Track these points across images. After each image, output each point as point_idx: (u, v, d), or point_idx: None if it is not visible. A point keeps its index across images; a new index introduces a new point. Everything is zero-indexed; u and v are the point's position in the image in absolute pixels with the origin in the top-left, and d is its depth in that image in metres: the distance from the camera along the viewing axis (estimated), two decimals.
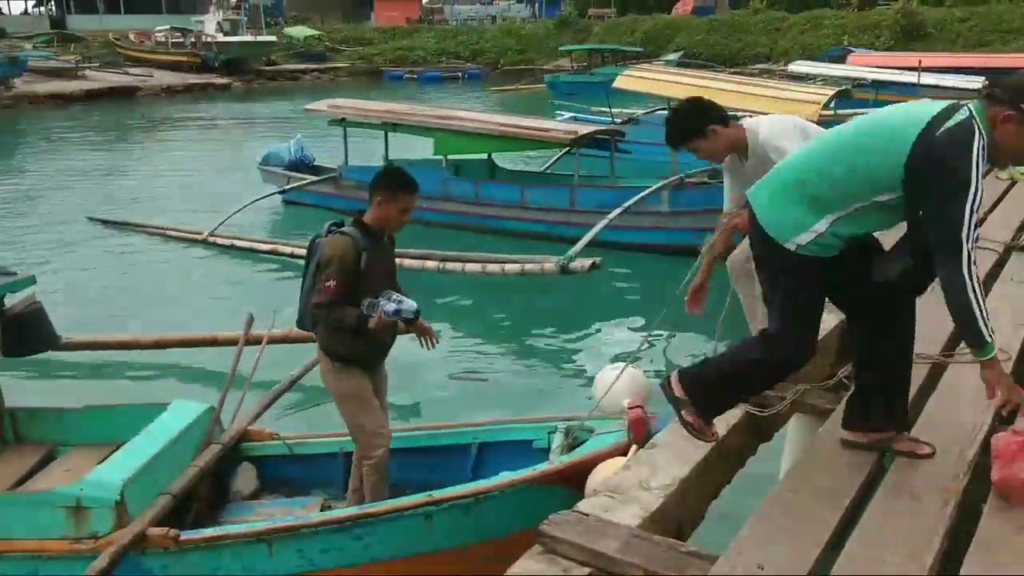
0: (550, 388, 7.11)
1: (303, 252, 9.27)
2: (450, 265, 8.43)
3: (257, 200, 11.89)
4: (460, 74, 39.77)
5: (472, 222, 11.38)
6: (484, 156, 12.49)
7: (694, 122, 3.74)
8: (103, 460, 4.27)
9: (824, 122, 14.45)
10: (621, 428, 3.84)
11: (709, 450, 3.36)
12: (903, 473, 2.90)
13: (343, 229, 4.05)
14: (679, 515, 3.13)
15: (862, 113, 13.77)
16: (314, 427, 5.30)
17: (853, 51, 24.37)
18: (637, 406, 3.84)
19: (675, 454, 3.33)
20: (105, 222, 12.19)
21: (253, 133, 21.63)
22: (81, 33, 42.19)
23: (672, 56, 32.23)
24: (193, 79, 35.14)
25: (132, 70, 35.88)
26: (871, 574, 2.38)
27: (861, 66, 19.03)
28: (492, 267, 8.17)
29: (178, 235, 11.27)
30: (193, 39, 39.35)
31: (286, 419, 5.34)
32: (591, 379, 4.65)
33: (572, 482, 3.69)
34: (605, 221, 9.07)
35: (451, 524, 3.77)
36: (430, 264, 8.61)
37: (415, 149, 12.36)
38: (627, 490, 3.06)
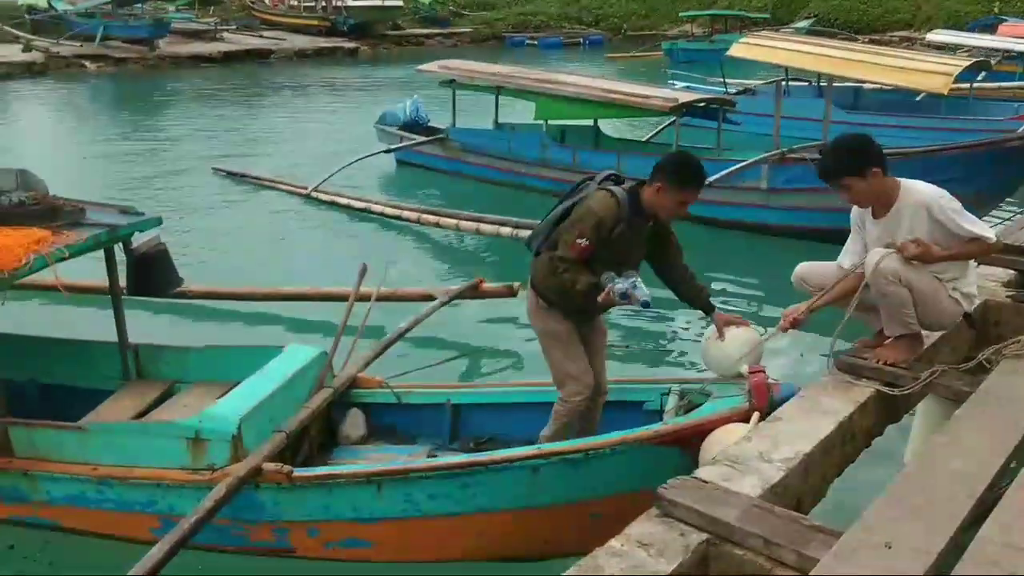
0: (661, 351, 6.99)
1: (395, 211, 9.85)
2: (523, 232, 8.36)
3: (361, 158, 12.06)
4: (582, 40, 39.28)
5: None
6: (590, 123, 12.23)
7: (857, 158, 3.62)
8: (220, 397, 4.41)
9: (958, 95, 13.76)
10: (740, 393, 3.76)
11: (835, 427, 3.29)
12: None
13: (615, 189, 3.85)
14: (800, 490, 3.09)
15: (1007, 87, 13.04)
16: (423, 378, 5.41)
17: (1005, 20, 22.65)
18: (759, 371, 3.77)
19: (799, 429, 3.27)
20: (228, 173, 12.76)
21: (376, 96, 22.02)
22: None
23: (803, 23, 30.90)
24: (323, 43, 35.96)
25: (266, 33, 37.00)
26: (1005, 562, 2.29)
27: (1011, 36, 17.71)
28: None
29: (287, 188, 11.67)
30: (324, 3, 40.30)
31: (396, 369, 5.45)
32: (698, 341, 4.57)
33: (686, 445, 3.64)
34: None
35: (558, 479, 3.76)
36: (504, 230, 8.65)
37: (526, 114, 12.25)
38: (747, 461, 3.04)
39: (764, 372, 3.76)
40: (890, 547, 2.36)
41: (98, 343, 5.33)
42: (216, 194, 11.95)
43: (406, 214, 9.74)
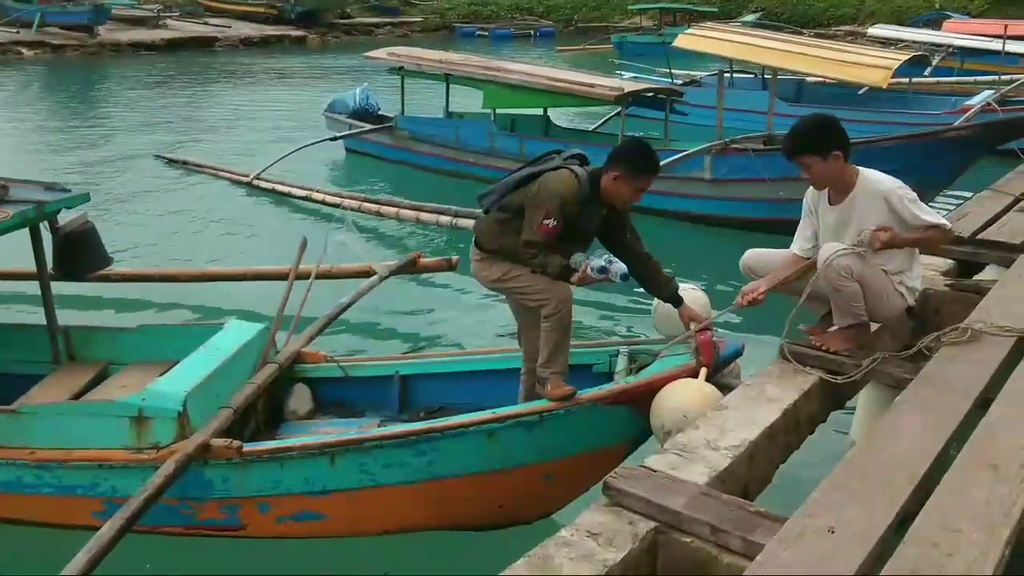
0: (607, 316, 7.15)
1: (335, 200, 9.76)
2: (462, 222, 8.46)
3: (306, 146, 11.92)
4: (532, 31, 39.33)
5: None
6: (540, 113, 12.24)
7: (821, 137, 3.69)
8: (158, 377, 4.27)
9: (896, 90, 14.02)
10: (687, 351, 3.86)
11: (780, 414, 3.34)
12: (982, 444, 2.83)
13: (578, 169, 3.82)
14: (746, 477, 3.12)
15: (945, 82, 13.31)
16: (367, 352, 5.38)
17: (950, 15, 23.18)
18: (705, 328, 3.85)
19: (745, 416, 3.31)
20: (169, 160, 12.57)
21: (324, 85, 21.77)
22: None
23: (750, 17, 31.34)
24: (270, 31, 35.46)
25: (211, 20, 36.34)
26: (944, 544, 2.33)
27: (953, 32, 18.14)
28: None
29: (229, 176, 11.55)
30: None
31: (340, 345, 5.43)
32: (648, 309, 4.61)
33: (637, 403, 3.71)
34: None
35: (514, 442, 3.78)
36: (444, 219, 8.66)
37: (479, 105, 12.21)
38: (695, 449, 3.06)
39: (711, 330, 3.86)
40: (833, 531, 2.40)
41: (24, 326, 5.17)
42: (157, 181, 11.75)
43: (347, 202, 9.65)
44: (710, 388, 3.63)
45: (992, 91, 13.38)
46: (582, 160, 3.94)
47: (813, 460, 3.90)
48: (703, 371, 3.71)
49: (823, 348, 3.77)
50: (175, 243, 9.03)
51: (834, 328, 3.85)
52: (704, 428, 3.21)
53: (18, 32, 29.02)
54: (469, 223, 8.37)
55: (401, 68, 12.72)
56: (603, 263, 3.68)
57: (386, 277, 6.00)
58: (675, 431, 3.37)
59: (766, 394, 3.49)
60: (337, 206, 9.77)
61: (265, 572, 4.00)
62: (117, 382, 4.56)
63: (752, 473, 3.15)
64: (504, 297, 4.27)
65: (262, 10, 38.03)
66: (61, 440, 3.89)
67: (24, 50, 27.96)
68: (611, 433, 3.85)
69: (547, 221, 3.70)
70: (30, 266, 5.01)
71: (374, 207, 9.31)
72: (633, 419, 3.76)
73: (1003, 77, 14.14)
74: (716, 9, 32.85)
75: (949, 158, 9.00)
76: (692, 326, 3.90)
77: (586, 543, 2.56)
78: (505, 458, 3.81)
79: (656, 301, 4.20)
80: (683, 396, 3.56)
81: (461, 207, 8.59)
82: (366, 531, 3.97)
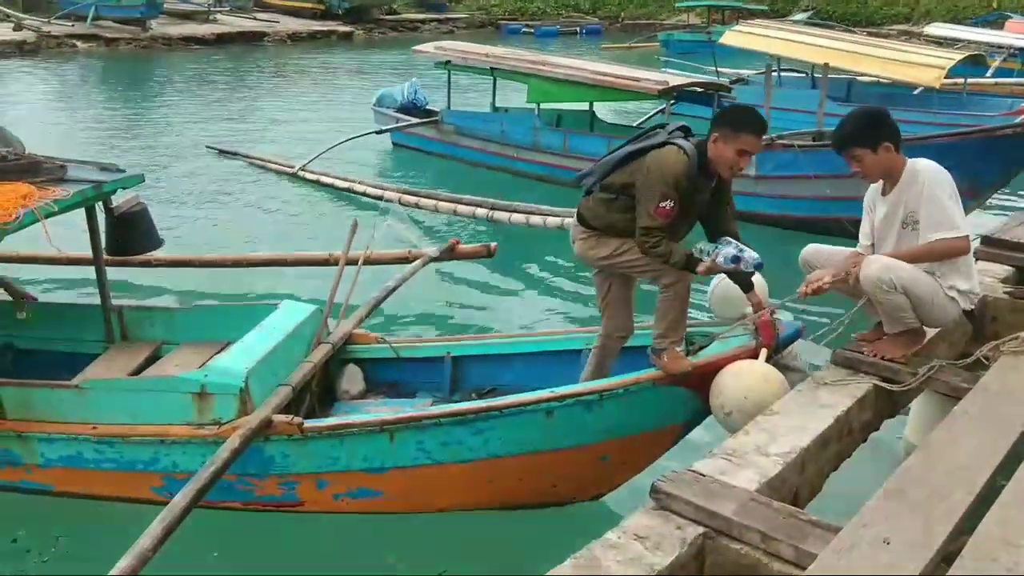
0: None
1: (376, 191, 9.88)
2: (498, 214, 8.50)
3: (351, 139, 12.05)
4: (579, 29, 39.12)
5: (560, 175, 10.94)
6: (586, 108, 12.12)
7: (870, 130, 3.63)
8: (211, 358, 4.34)
9: (951, 91, 13.66)
10: (745, 332, 3.83)
11: (833, 421, 3.28)
12: None
13: (684, 144, 3.66)
14: (797, 483, 3.07)
15: (1004, 83, 12.94)
16: (417, 334, 5.46)
17: (1012, 16, 22.50)
18: (765, 309, 3.83)
19: (796, 422, 3.26)
20: (220, 151, 12.80)
21: (371, 80, 21.88)
22: None
23: (800, 15, 30.85)
24: (317, 26, 35.72)
25: (260, 15, 36.72)
26: (1004, 558, 2.27)
27: (1016, 33, 17.64)
28: (535, 219, 8.22)
29: (275, 167, 11.74)
30: None
31: (389, 327, 5.47)
32: (702, 291, 4.55)
33: (696, 384, 3.70)
34: None
35: (572, 421, 3.76)
36: (480, 211, 8.68)
37: (523, 99, 12.18)
38: (744, 454, 3.02)
39: (770, 310, 3.83)
40: (888, 543, 2.35)
41: (80, 306, 5.28)
42: (207, 170, 11.99)
43: (387, 194, 9.76)
44: (771, 369, 3.62)
45: None
46: (686, 132, 3.82)
47: (864, 467, 3.83)
48: (763, 352, 3.68)
49: (876, 355, 3.69)
50: (220, 229, 9.26)
51: (887, 335, 3.76)
52: (754, 433, 3.16)
53: (72, 25, 29.59)
54: (504, 216, 8.44)
55: (448, 62, 12.73)
56: (734, 251, 3.57)
57: (427, 262, 6.10)
58: (736, 412, 3.42)
59: (818, 400, 3.42)
60: (378, 198, 9.91)
61: (319, 546, 4.06)
62: (171, 361, 4.62)
63: (803, 480, 3.10)
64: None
65: (310, 6, 38.31)
66: (122, 416, 3.95)
67: (78, 43, 28.49)
68: (668, 414, 3.85)
69: (663, 204, 3.58)
70: (77, 249, 5.09)
71: (413, 199, 9.40)
72: (690, 400, 3.76)
73: None
74: (766, 7, 32.34)
75: (1003, 157, 8.76)
76: (749, 311, 3.87)
77: (633, 546, 2.53)
78: (562, 437, 3.81)
79: (714, 283, 4.14)
80: (745, 377, 3.55)
81: (498, 200, 8.68)
82: (420, 509, 4.00)
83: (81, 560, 3.94)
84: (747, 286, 3.87)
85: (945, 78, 11.50)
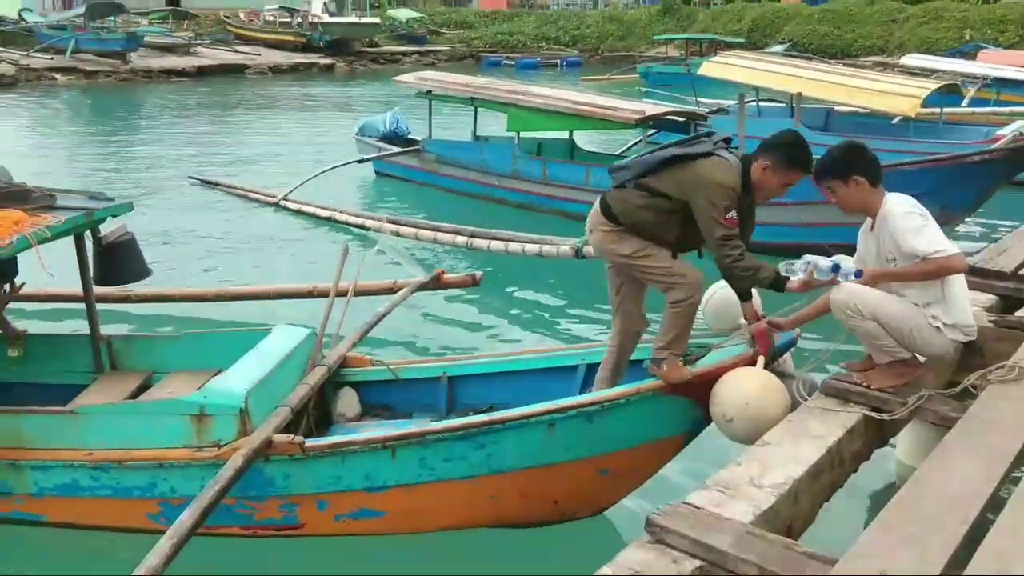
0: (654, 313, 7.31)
1: (358, 220, 9.93)
2: (477, 242, 8.55)
3: (332, 168, 12.14)
4: (559, 61, 39.50)
5: (540, 203, 11.12)
6: (566, 136, 12.29)
7: (840, 163, 3.66)
8: (203, 386, 4.28)
9: (928, 120, 13.84)
10: (741, 341, 3.86)
11: (824, 452, 3.27)
12: None
13: (732, 159, 3.69)
14: (790, 515, 3.05)
15: (980, 112, 13.09)
16: (407, 357, 5.48)
17: (985, 47, 22.93)
18: (760, 318, 3.87)
19: (787, 453, 3.25)
20: (202, 182, 12.86)
21: (352, 111, 22.01)
22: (194, 11, 43.51)
23: (777, 48, 31.22)
24: (298, 58, 35.96)
25: (241, 48, 36.93)
26: None
27: (988, 63, 17.97)
28: (514, 246, 8.29)
29: (257, 197, 11.80)
30: (300, 19, 40.27)
31: (381, 350, 5.52)
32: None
33: (696, 394, 3.72)
34: None
35: (574, 434, 3.77)
36: (460, 239, 8.73)
37: (504, 130, 12.33)
38: (737, 486, 3.00)
39: (764, 318, 3.87)
40: (886, 574, 2.33)
41: (67, 336, 5.22)
42: (189, 201, 12.00)
43: (369, 223, 9.82)
44: (770, 376, 3.67)
45: None
46: (727, 143, 3.82)
47: (854, 496, 3.84)
48: (761, 360, 3.72)
49: (866, 385, 3.70)
50: (203, 259, 9.25)
51: (879, 365, 3.77)
52: (746, 464, 3.15)
53: (52, 58, 29.64)
54: (483, 243, 8.48)
55: (429, 92, 12.90)
56: (830, 262, 3.52)
57: (415, 290, 6.14)
58: (737, 418, 3.49)
59: (809, 431, 3.41)
60: (360, 226, 9.96)
61: (319, 571, 4.03)
62: (163, 389, 4.59)
63: (796, 511, 3.08)
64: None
65: (291, 38, 38.58)
66: (118, 440, 3.90)
67: (58, 76, 28.54)
68: (668, 425, 3.87)
69: (730, 214, 3.59)
70: (61, 279, 5.04)
71: (392, 227, 9.42)
72: (690, 410, 3.79)
73: None
74: (743, 40, 32.83)
75: (974, 183, 8.89)
76: (743, 323, 3.92)
77: None
78: (563, 450, 3.81)
79: (707, 295, 4.15)
80: (745, 384, 3.59)
81: (478, 228, 8.76)
82: (422, 528, 3.96)
83: None
84: (747, 296, 3.91)
85: (921, 107, 11.70)
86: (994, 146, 11.15)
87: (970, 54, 20.50)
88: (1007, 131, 12.95)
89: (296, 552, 4.04)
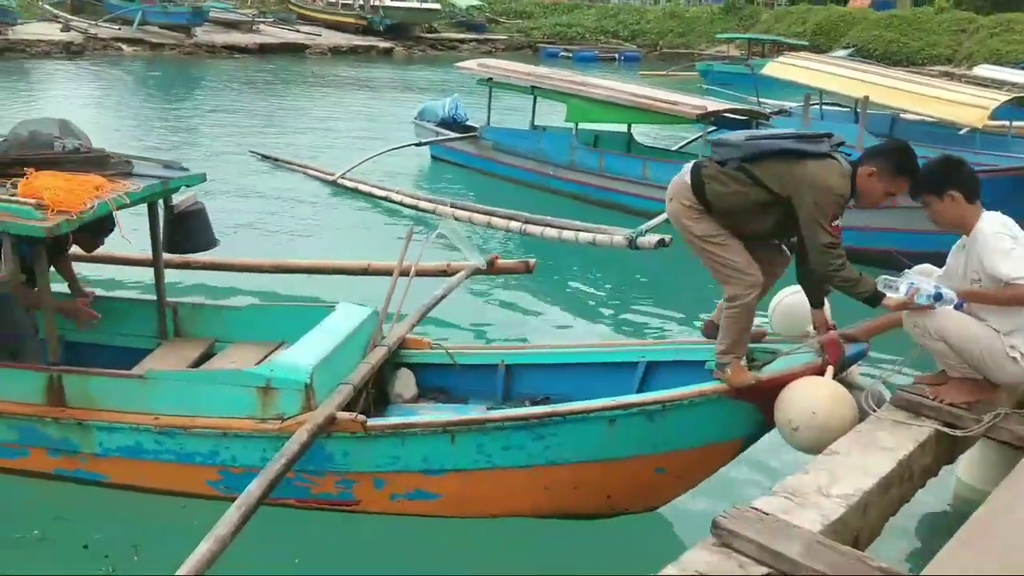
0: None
1: (412, 201, 10.02)
2: (531, 228, 8.47)
3: (390, 150, 12.27)
4: (617, 55, 39.14)
5: (595, 194, 11.09)
6: (624, 129, 12.22)
7: (936, 177, 3.55)
8: (266, 357, 4.34)
9: (995, 132, 13.48)
10: (809, 349, 3.80)
11: (895, 465, 3.18)
12: None
13: (844, 163, 3.57)
14: (858, 527, 2.98)
15: None
16: (463, 342, 5.56)
17: None
18: (830, 327, 3.79)
19: (856, 463, 3.17)
20: (263, 156, 13.01)
21: (410, 96, 22.09)
22: None
23: (841, 52, 30.63)
24: (358, 41, 36.11)
25: (302, 28, 37.20)
26: None
27: None
28: (567, 234, 8.20)
29: (316, 174, 11.90)
30: (361, 1, 40.46)
31: (437, 332, 5.58)
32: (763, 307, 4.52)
33: (760, 399, 3.66)
34: None
35: (634, 431, 3.74)
36: (514, 225, 8.66)
37: (562, 120, 12.25)
38: (805, 494, 2.93)
39: (835, 328, 3.79)
40: None
41: (133, 300, 5.32)
42: (250, 174, 12.17)
43: (423, 204, 9.86)
44: (839, 387, 3.59)
45: None
46: (839, 146, 3.71)
47: (911, 512, 3.74)
48: (830, 370, 3.65)
49: (937, 399, 3.59)
50: (261, 232, 9.38)
51: (952, 379, 3.65)
52: (814, 473, 3.08)
53: (119, 28, 30.15)
54: (537, 230, 8.44)
55: (490, 79, 12.92)
56: (933, 289, 3.42)
57: (471, 274, 6.15)
58: (803, 427, 3.44)
59: (878, 442, 3.33)
60: (413, 207, 10.00)
61: (371, 547, 4.05)
62: (226, 358, 4.64)
63: (864, 523, 3.01)
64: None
65: (352, 21, 38.78)
66: (184, 407, 3.95)
67: (124, 46, 28.99)
68: (728, 429, 3.82)
69: (837, 223, 3.51)
70: (121, 246, 5.14)
71: (448, 210, 9.42)
72: (752, 415, 3.73)
73: None
74: (806, 43, 32.25)
75: None
76: (811, 331, 3.85)
77: None
78: (622, 447, 3.79)
79: (775, 301, 4.09)
80: (813, 393, 3.53)
81: (532, 214, 8.73)
82: (474, 513, 3.97)
83: (132, 553, 3.93)
84: (820, 303, 3.82)
85: (989, 119, 11.38)
86: None
87: None
88: None
89: (348, 527, 4.06)
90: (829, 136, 3.70)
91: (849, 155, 3.72)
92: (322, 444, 3.78)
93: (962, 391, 3.59)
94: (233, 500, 3.31)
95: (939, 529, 4.22)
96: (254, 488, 3.25)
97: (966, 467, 4.16)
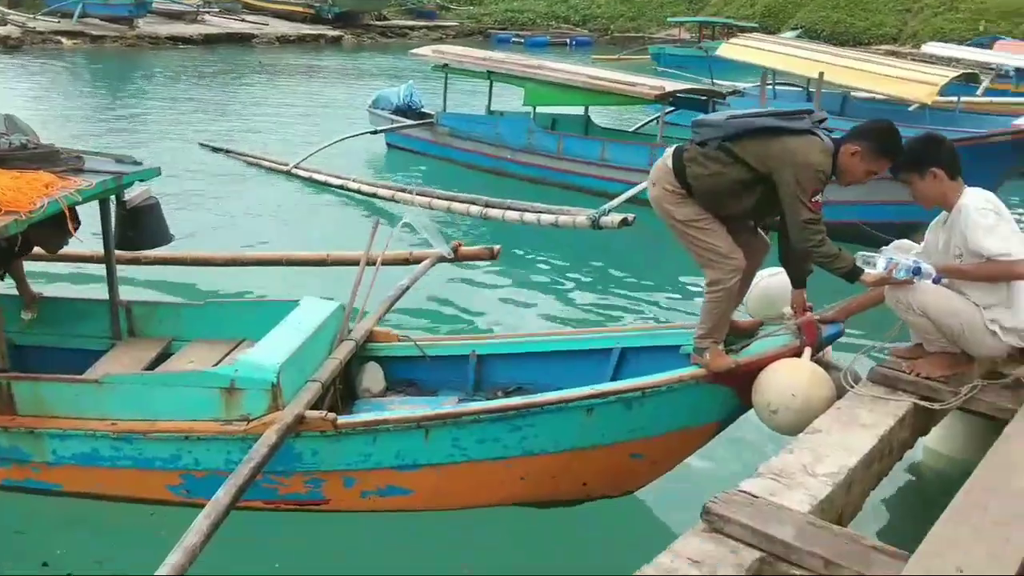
0: (688, 297, 7.36)
1: (370, 189, 9.84)
2: (492, 212, 8.41)
3: (344, 139, 12.03)
4: (568, 40, 39.08)
5: (554, 177, 11.07)
6: (581, 112, 12.18)
7: (917, 155, 3.53)
8: (225, 355, 4.19)
9: (943, 108, 13.73)
10: (787, 332, 3.77)
11: (876, 441, 3.17)
12: None
13: (826, 139, 3.54)
14: (842, 504, 2.96)
15: (997, 102, 12.99)
16: (436, 333, 5.46)
17: (1002, 38, 22.68)
18: (807, 308, 3.77)
19: (839, 441, 3.15)
20: (213, 148, 12.70)
21: (360, 84, 21.84)
22: None
23: (790, 33, 30.90)
24: (306, 30, 35.52)
25: (248, 17, 36.48)
26: None
27: (1010, 52, 17.75)
28: (529, 216, 8.15)
29: (269, 164, 11.68)
30: None
31: (404, 324, 5.47)
32: None
33: (737, 383, 3.64)
34: (646, 182, 8.39)
35: (612, 419, 3.69)
36: (474, 209, 8.59)
37: (519, 104, 12.15)
38: (792, 474, 2.90)
39: (811, 309, 3.77)
40: (962, 570, 2.23)
41: (85, 301, 5.10)
42: (199, 167, 11.84)
43: (381, 192, 9.71)
44: (818, 368, 3.58)
45: None
46: (820, 123, 3.66)
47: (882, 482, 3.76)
48: (807, 351, 3.63)
49: (914, 373, 3.59)
50: (214, 225, 9.11)
51: (928, 353, 3.66)
52: (798, 452, 3.05)
53: (59, 21, 29.24)
54: (498, 213, 8.35)
55: (445, 65, 12.78)
56: (912, 263, 3.40)
57: (436, 262, 6.05)
58: (783, 409, 3.42)
59: (859, 419, 3.31)
60: (372, 195, 9.83)
61: (342, 545, 3.95)
62: (184, 357, 4.48)
63: (848, 501, 2.99)
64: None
65: (300, 9, 38.11)
66: (143, 411, 3.79)
67: (64, 39, 28.13)
68: (705, 413, 3.79)
69: (817, 197, 3.46)
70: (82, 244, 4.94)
71: (407, 197, 9.28)
72: (730, 399, 3.70)
73: None
74: (756, 25, 32.46)
75: (992, 165, 8.80)
76: (787, 312, 3.82)
77: (687, 570, 2.40)
78: (599, 435, 3.74)
79: (753, 282, 4.04)
80: (793, 375, 3.51)
81: (480, 196, 8.68)
82: (448, 506, 3.89)
83: (96, 568, 3.78)
84: (800, 284, 3.79)
85: (938, 95, 11.56)
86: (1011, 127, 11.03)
87: (987, 45, 20.25)
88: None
89: (318, 526, 3.95)
90: (810, 113, 3.65)
91: (830, 131, 3.69)
92: (291, 444, 3.65)
93: (939, 365, 3.59)
94: (196, 504, 3.20)
95: (911, 499, 4.28)
96: (222, 495, 3.12)
97: (935, 436, 4.18)
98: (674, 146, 3.79)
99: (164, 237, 4.97)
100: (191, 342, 4.64)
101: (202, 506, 3.15)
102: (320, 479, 3.81)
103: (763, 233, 3.92)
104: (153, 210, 4.80)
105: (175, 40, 30.38)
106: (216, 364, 4.25)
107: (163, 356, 4.60)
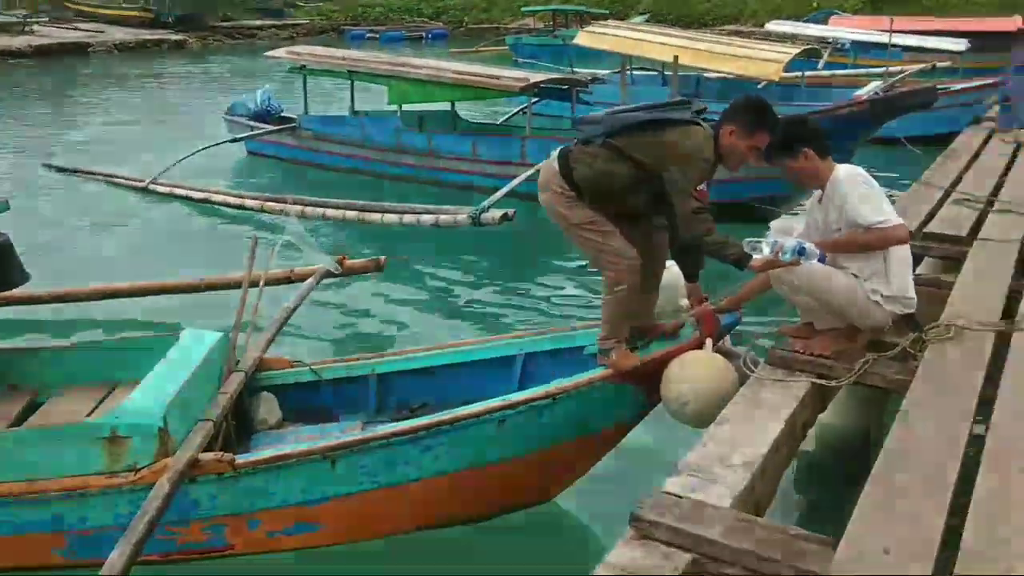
0: (580, 297, 7.38)
1: (237, 201, 9.51)
2: (370, 216, 8.29)
3: (201, 150, 11.50)
4: (424, 34, 38.82)
5: (424, 175, 11.00)
6: (447, 108, 12.12)
7: (787, 138, 3.57)
8: (101, 402, 3.94)
9: (790, 83, 14.45)
10: (687, 324, 3.83)
11: (783, 424, 3.22)
12: (999, 444, 2.78)
13: (708, 129, 3.53)
14: (759, 493, 2.98)
15: (838, 75, 13.71)
16: (324, 353, 5.22)
17: (836, 13, 24.01)
18: (702, 300, 3.81)
19: (748, 429, 3.17)
20: (59, 169, 11.86)
21: (214, 90, 20.96)
22: None
23: (638, 18, 31.75)
24: (146, 35, 33.86)
25: (81, 26, 34.50)
26: (1000, 553, 2.25)
27: (844, 27, 18.78)
28: (408, 218, 8.08)
29: (123, 182, 11.05)
30: None
31: (294, 348, 5.23)
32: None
33: (644, 380, 3.64)
34: (524, 176, 8.37)
35: (525, 428, 3.64)
36: (350, 214, 8.44)
37: (381, 103, 11.97)
38: (710, 468, 2.90)
39: (707, 300, 3.81)
40: (888, 552, 2.27)
41: None
42: (45, 191, 11.10)
43: (248, 203, 9.31)
44: (720, 358, 3.63)
45: (881, 82, 13.90)
46: (699, 113, 3.66)
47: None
48: (708, 342, 3.68)
49: (806, 352, 3.68)
50: (71, 257, 8.45)
51: (819, 331, 3.76)
52: (712, 445, 3.05)
53: None
54: (376, 217, 8.18)
55: (303, 66, 12.41)
56: (797, 244, 3.39)
57: (322, 278, 5.82)
58: (693, 401, 3.46)
59: (763, 403, 3.35)
60: (239, 207, 9.43)
61: None
62: (55, 408, 4.13)
63: (764, 489, 3.02)
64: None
65: (136, 14, 36.39)
66: (15, 472, 3.45)
67: None
68: (616, 413, 3.79)
69: (701, 187, 3.47)
70: None
71: (277, 206, 8.93)
72: (637, 397, 3.71)
73: (891, 70, 14.71)
74: (607, 11, 33.15)
75: (844, 135, 9.29)
76: (683, 305, 3.88)
77: None
78: (512, 446, 3.67)
79: None
80: (698, 367, 3.56)
81: (355, 200, 8.49)
82: (360, 537, 3.73)
83: None
84: (694, 277, 3.81)
85: (784, 72, 12.14)
86: (863, 96, 11.67)
87: (822, 20, 21.37)
88: (865, 91, 13.56)
89: (223, 571, 3.72)
90: (689, 103, 3.68)
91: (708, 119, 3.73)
92: (186, 490, 3.42)
93: (829, 342, 3.69)
94: (88, 565, 2.98)
95: (816, 477, 4.41)
96: (116, 558, 2.87)
97: (838, 413, 4.34)
98: (559, 148, 3.75)
99: (19, 276, 4.57)
100: (61, 390, 4.29)
101: (95, 566, 2.90)
102: (221, 524, 3.58)
103: (661, 232, 3.92)
104: (4, 248, 4.39)
105: (2, 54, 28.33)
106: (92, 412, 3.92)
107: (30, 408, 4.23)
